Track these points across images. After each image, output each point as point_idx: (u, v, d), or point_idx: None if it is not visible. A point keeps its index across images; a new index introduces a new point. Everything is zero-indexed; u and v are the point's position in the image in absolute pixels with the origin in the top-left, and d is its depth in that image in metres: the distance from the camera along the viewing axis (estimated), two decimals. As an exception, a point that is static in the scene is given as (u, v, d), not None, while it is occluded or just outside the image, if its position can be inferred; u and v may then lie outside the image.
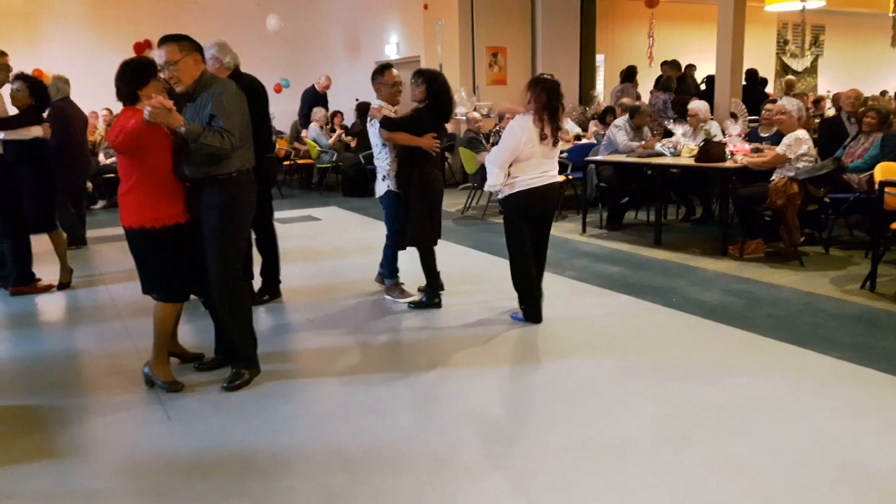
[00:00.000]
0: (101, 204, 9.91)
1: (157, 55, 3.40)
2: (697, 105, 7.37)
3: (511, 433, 3.07)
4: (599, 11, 12.55)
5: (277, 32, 13.02)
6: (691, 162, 6.32)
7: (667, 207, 7.93)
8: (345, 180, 10.86)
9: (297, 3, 13.65)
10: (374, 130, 4.83)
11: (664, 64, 10.55)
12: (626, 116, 7.62)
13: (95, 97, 10.85)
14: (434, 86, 4.72)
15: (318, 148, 10.92)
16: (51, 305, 5.26)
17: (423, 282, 4.99)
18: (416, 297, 5.05)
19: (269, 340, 4.21)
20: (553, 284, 5.40)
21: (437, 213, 4.84)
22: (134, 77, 3.39)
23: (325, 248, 7.04)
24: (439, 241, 4.91)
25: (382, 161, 4.85)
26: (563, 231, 7.42)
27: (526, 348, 4.17)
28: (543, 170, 4.39)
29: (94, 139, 10.15)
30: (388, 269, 5.17)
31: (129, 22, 12.30)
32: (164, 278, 3.51)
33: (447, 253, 5.93)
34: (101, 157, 9.93)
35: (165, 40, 3.40)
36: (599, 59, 13.55)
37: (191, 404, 3.42)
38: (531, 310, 4.49)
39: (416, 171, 4.68)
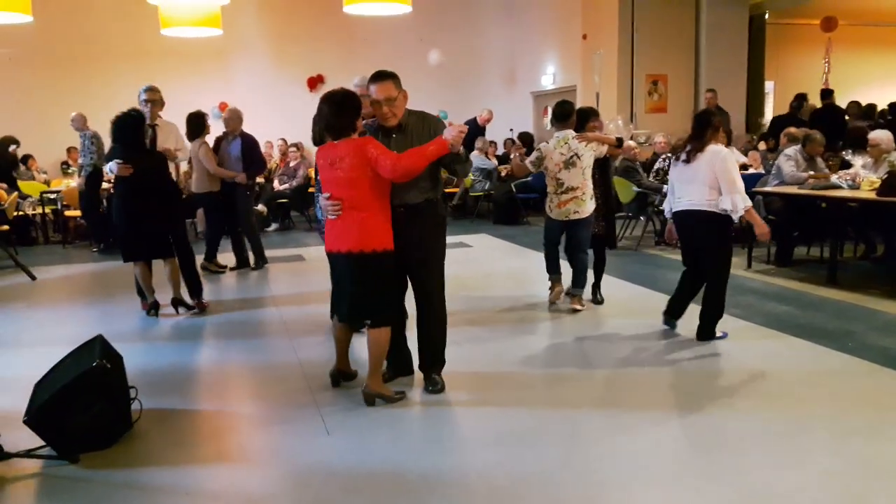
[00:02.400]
0: (274, 227, 10.66)
1: (373, 90, 3.55)
2: (879, 135, 6.80)
3: (668, 478, 2.95)
4: (769, 36, 11.99)
5: (437, 66, 13.51)
6: (872, 195, 5.83)
7: (843, 244, 7.34)
8: (496, 209, 10.99)
9: (457, 37, 14.08)
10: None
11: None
12: (799, 146, 7.16)
13: (274, 128, 11.84)
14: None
15: (472, 177, 11.14)
16: (224, 322, 5.70)
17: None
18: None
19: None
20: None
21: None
22: (355, 110, 3.56)
23: (475, 274, 7.14)
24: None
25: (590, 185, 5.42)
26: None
27: (688, 389, 3.99)
28: None
29: (270, 167, 10.97)
30: (584, 282, 5.60)
31: (305, 58, 13.23)
32: (393, 300, 3.71)
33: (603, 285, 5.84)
34: (276, 184, 10.70)
35: (384, 77, 3.57)
36: (769, 85, 12.89)
37: (349, 420, 3.57)
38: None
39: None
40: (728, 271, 4.63)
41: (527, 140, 12.60)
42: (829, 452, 3.10)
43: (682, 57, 11.30)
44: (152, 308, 5.63)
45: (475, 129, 11.50)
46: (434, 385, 3.87)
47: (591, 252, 5.65)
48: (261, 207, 10.09)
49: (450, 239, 9.16)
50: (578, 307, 5.55)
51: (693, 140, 4.57)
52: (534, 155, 5.48)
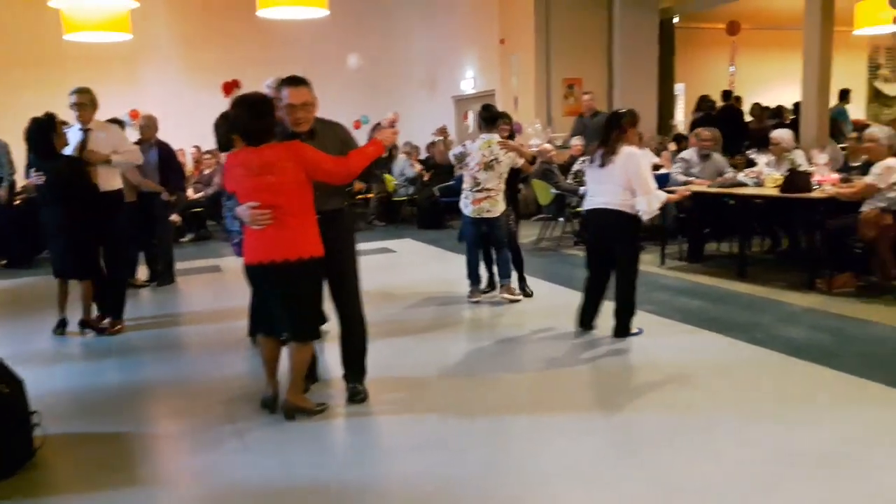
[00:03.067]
0: (189, 237, 10.34)
1: (287, 94, 3.48)
2: (781, 133, 7.13)
3: (588, 476, 2.99)
4: (679, 40, 12.41)
5: (357, 70, 13.40)
6: (775, 192, 6.10)
7: (751, 239, 7.66)
8: (420, 213, 11.00)
9: (377, 42, 14.03)
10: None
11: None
12: (696, 148, 7.48)
13: (187, 135, 11.49)
14: None
15: (395, 181, 11.12)
16: (138, 339, 5.49)
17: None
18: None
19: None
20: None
21: None
22: (273, 114, 3.47)
23: (399, 279, 7.11)
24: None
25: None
26: (642, 263, 7.21)
27: (607, 387, 4.08)
28: None
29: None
30: (509, 272, 5.88)
31: (219, 63, 12.90)
32: (319, 312, 3.61)
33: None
34: (191, 192, 10.39)
35: (301, 82, 3.52)
36: (679, 88, 13.35)
37: (268, 436, 3.49)
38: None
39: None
40: (637, 269, 4.78)
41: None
42: (741, 443, 3.21)
43: (597, 60, 11.57)
44: (59, 326, 5.37)
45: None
46: (357, 394, 3.82)
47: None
48: (175, 217, 9.76)
49: (373, 245, 9.28)
50: (511, 296, 5.79)
51: (603, 143, 4.68)
52: (458, 149, 5.80)
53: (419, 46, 14.43)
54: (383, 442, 3.48)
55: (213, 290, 7.11)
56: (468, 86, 13.45)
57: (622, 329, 4.76)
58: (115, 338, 5.34)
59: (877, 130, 5.75)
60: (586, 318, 4.92)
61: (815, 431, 3.28)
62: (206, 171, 10.63)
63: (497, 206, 5.64)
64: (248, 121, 3.41)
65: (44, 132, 5.08)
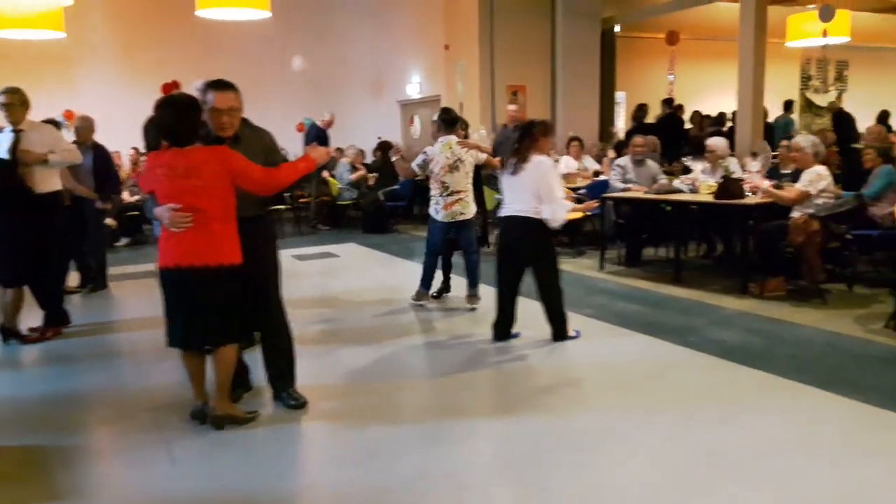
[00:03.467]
0: (124, 241, 10.05)
1: (213, 98, 3.40)
2: (716, 141, 7.32)
3: (522, 479, 2.99)
4: (620, 49, 12.64)
5: (302, 73, 13.27)
6: (710, 199, 6.25)
7: (686, 244, 7.84)
8: (364, 217, 10.93)
9: (322, 44, 13.92)
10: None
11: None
12: (629, 155, 7.64)
13: (125, 137, 11.17)
14: None
15: (339, 185, 11.03)
16: (66, 347, 5.29)
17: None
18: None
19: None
20: (571, 322, 5.35)
21: None
22: (199, 116, 3.39)
23: (340, 285, 7.04)
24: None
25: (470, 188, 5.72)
26: (582, 268, 7.35)
27: (539, 389, 4.09)
28: None
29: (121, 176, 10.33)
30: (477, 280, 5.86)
31: (158, 64, 12.59)
32: (241, 316, 3.54)
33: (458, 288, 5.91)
34: (126, 195, 10.10)
35: (228, 87, 3.46)
36: (620, 96, 13.59)
37: (196, 446, 3.39)
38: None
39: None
40: (557, 273, 4.79)
41: (387, 147, 12.58)
42: (674, 444, 3.26)
43: (540, 68, 11.70)
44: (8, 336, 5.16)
45: (317, 134, 11.33)
46: (295, 400, 3.77)
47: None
48: (110, 221, 9.48)
49: (315, 249, 9.18)
50: (475, 305, 5.75)
51: (515, 153, 4.73)
52: (420, 158, 5.73)
53: (364, 50, 14.37)
54: (315, 451, 3.42)
55: (146, 297, 6.87)
56: (414, 90, 13.45)
57: (559, 334, 4.80)
58: (42, 346, 5.14)
59: (801, 140, 5.95)
60: (500, 330, 4.87)
61: (744, 432, 3.35)
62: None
63: (469, 209, 5.64)
64: (174, 122, 3.34)
65: None
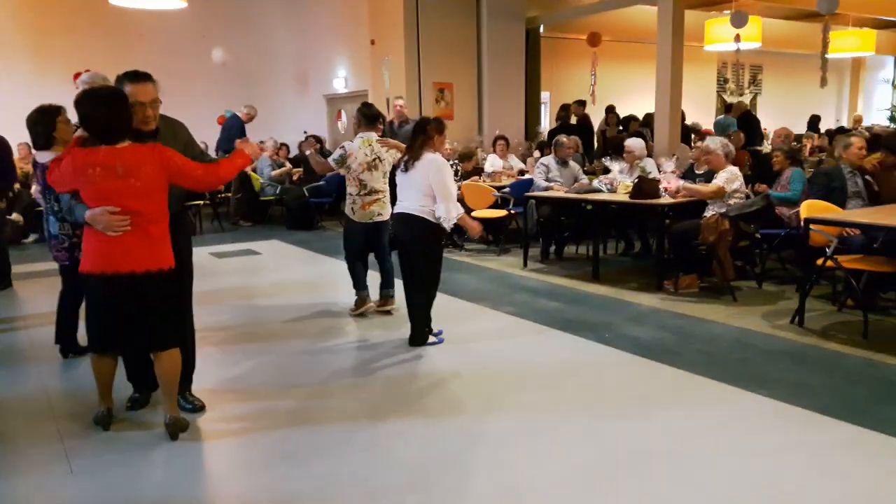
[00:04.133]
0: (32, 238, 9.57)
1: (132, 91, 3.19)
2: (633, 142, 7.50)
3: (434, 479, 2.98)
4: (544, 49, 12.80)
5: (223, 64, 12.93)
6: (626, 198, 6.40)
7: (606, 242, 8.02)
8: (289, 213, 10.73)
9: (244, 35, 13.60)
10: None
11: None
12: (552, 154, 7.76)
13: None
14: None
15: (262, 180, 10.79)
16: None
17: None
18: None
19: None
20: (491, 320, 5.41)
21: None
22: (129, 109, 3.16)
23: (261, 283, 6.88)
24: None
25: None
26: (505, 265, 7.41)
27: (451, 389, 4.08)
28: None
29: (27, 170, 9.83)
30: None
31: (70, 53, 12.04)
32: (182, 318, 3.50)
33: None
34: (34, 190, 9.60)
35: (146, 78, 3.27)
36: (545, 96, 13.79)
37: (98, 455, 3.23)
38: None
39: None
40: (431, 274, 4.73)
41: (320, 142, 12.42)
42: (584, 441, 3.31)
43: (466, 66, 11.74)
44: None
45: (237, 126, 11.06)
46: (191, 404, 3.65)
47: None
48: (16, 216, 9.01)
49: (236, 246, 8.95)
50: (391, 308, 5.58)
51: (409, 149, 4.75)
52: (337, 153, 5.44)
53: (288, 43, 14.13)
54: (222, 457, 3.31)
55: (51, 295, 6.57)
56: (340, 85, 13.29)
57: (417, 338, 4.73)
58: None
59: (710, 142, 6.15)
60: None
61: (655, 428, 3.43)
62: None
63: (386, 209, 5.42)
64: (105, 117, 3.11)
65: None
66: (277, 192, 10.81)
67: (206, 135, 11.22)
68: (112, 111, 3.10)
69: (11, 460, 3.24)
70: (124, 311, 3.24)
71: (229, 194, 10.91)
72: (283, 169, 11.02)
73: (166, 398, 3.39)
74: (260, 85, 13.72)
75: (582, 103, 11.98)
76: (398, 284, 5.20)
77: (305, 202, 10.51)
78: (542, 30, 12.59)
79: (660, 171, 7.13)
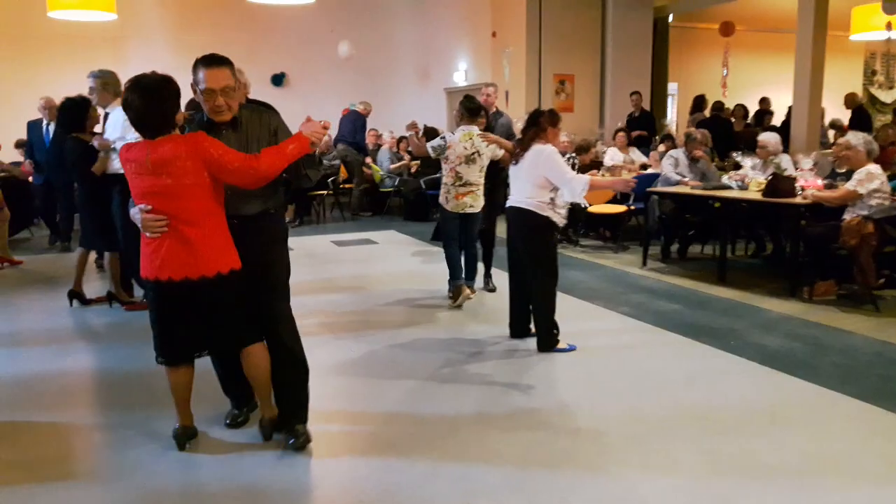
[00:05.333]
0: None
1: (204, 77, 2.91)
2: (767, 137, 7.01)
3: (538, 486, 2.87)
4: (672, 39, 12.29)
5: (348, 58, 13.26)
6: (758, 196, 5.99)
7: (734, 242, 7.56)
8: (406, 205, 10.88)
9: (370, 30, 13.89)
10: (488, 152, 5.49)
11: None
12: (683, 148, 7.38)
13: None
14: None
15: (381, 172, 10.99)
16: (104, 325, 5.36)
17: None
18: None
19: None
20: (604, 320, 5.21)
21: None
22: (174, 99, 2.89)
23: (374, 272, 6.97)
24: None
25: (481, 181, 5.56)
26: (623, 263, 7.15)
27: (566, 387, 3.96)
28: None
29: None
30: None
31: (208, 48, 12.68)
32: (251, 317, 3.08)
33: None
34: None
35: (220, 62, 2.94)
36: (672, 87, 13.23)
37: (210, 448, 3.36)
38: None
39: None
40: (549, 273, 4.46)
41: (433, 134, 12.51)
42: (701, 453, 3.10)
43: (589, 57, 11.45)
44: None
45: (360, 120, 11.28)
46: (295, 438, 3.16)
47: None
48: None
49: (356, 235, 9.15)
50: (470, 296, 5.67)
51: (520, 141, 4.61)
52: (437, 141, 5.51)
53: (411, 36, 14.30)
54: (324, 446, 3.34)
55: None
56: (461, 78, 13.32)
57: (545, 343, 4.48)
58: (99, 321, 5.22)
59: (851, 137, 5.61)
60: (516, 326, 4.72)
61: (779, 446, 3.17)
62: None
63: (479, 202, 5.48)
64: (141, 108, 2.81)
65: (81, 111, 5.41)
66: (396, 183, 10.98)
67: (332, 127, 11.59)
68: (146, 102, 2.81)
69: (138, 437, 3.41)
70: (180, 319, 2.99)
71: (351, 185, 11.17)
72: (401, 162, 11.17)
73: (258, 399, 3.23)
74: (382, 78, 13.99)
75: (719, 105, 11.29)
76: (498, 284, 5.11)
77: (421, 194, 10.60)
78: (671, 19, 12.07)
79: (797, 169, 6.64)
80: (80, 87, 6.50)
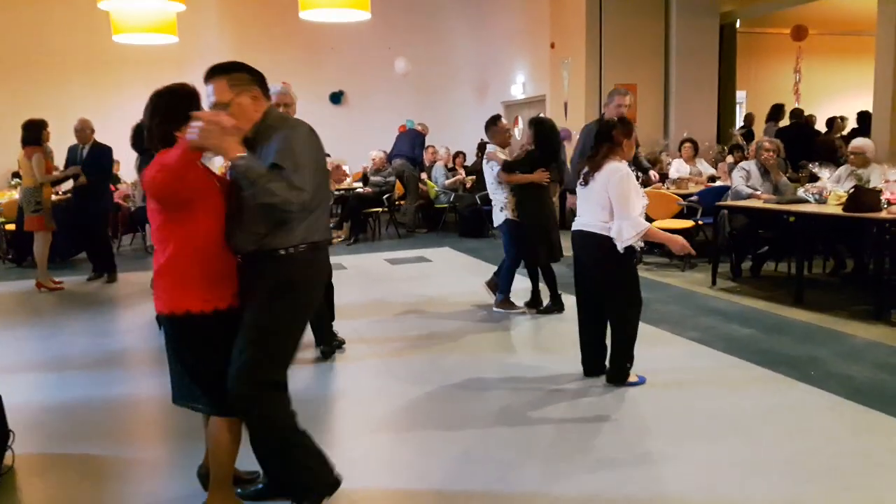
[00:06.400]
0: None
1: (208, 90, 2.58)
2: (863, 143, 6.49)
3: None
4: (740, 45, 11.77)
5: (405, 75, 13.20)
6: (839, 210, 5.55)
7: (811, 260, 7.08)
8: (461, 221, 10.68)
9: (426, 45, 13.81)
10: (489, 169, 5.79)
11: None
12: (755, 159, 6.94)
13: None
14: (540, 131, 5.67)
15: (437, 188, 10.84)
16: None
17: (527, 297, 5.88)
18: (521, 308, 5.83)
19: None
20: (670, 346, 4.88)
21: (553, 233, 5.70)
22: (172, 112, 2.51)
23: (426, 292, 6.76)
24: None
25: (500, 195, 5.73)
26: (691, 283, 6.76)
27: (628, 425, 3.65)
28: None
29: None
30: (503, 287, 5.85)
31: (267, 67, 12.80)
32: (214, 381, 2.55)
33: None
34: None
35: (213, 73, 2.57)
36: (740, 95, 12.69)
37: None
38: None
39: (531, 203, 5.61)
40: (629, 304, 4.08)
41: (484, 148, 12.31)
42: (787, 499, 2.77)
43: (652, 66, 11.04)
44: None
45: (419, 139, 11.26)
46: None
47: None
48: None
49: (410, 253, 8.99)
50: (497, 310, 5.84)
51: (590, 158, 4.12)
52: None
53: (468, 50, 14.16)
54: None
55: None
56: (518, 91, 13.09)
57: (617, 376, 4.10)
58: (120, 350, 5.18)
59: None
60: (586, 363, 4.27)
61: (870, 492, 2.81)
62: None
63: (499, 216, 5.80)
64: (144, 122, 2.60)
65: None
66: (451, 199, 10.80)
67: (387, 143, 11.50)
68: (147, 115, 2.57)
69: (167, 464, 3.28)
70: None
71: (404, 202, 11.05)
72: (456, 177, 11.00)
73: (211, 486, 2.71)
74: (439, 93, 13.87)
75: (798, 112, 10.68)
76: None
77: (477, 209, 10.38)
78: (738, 24, 11.57)
79: (884, 182, 6.14)
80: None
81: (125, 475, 3.24)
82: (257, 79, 2.62)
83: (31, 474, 3.22)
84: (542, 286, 5.80)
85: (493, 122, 5.95)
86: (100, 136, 8.62)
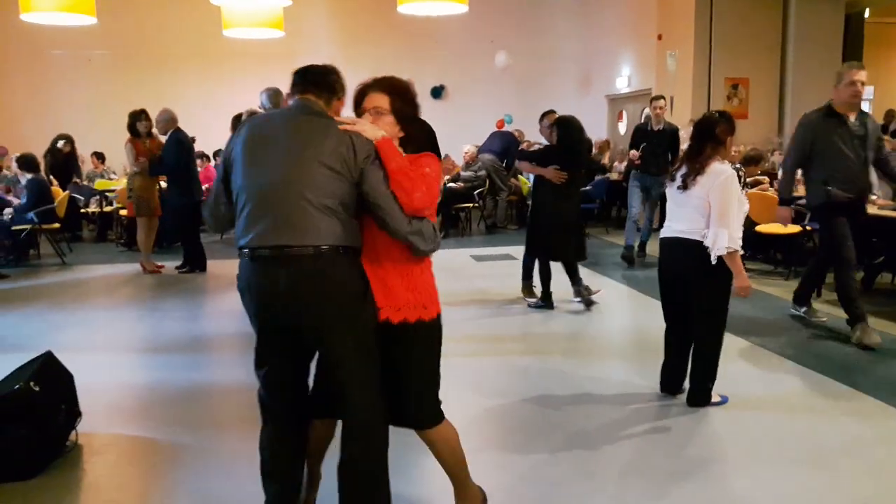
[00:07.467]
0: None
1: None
2: None
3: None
4: (868, 37, 10.84)
5: (505, 69, 13.00)
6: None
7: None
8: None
9: (528, 39, 13.57)
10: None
11: None
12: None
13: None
14: (567, 132, 5.80)
15: (529, 184, 10.60)
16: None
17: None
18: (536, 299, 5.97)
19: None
20: (759, 363, 4.48)
21: (554, 231, 5.72)
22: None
23: (508, 291, 6.57)
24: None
25: None
26: (789, 293, 6.22)
27: (698, 447, 3.36)
28: None
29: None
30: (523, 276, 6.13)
31: (371, 61, 13.01)
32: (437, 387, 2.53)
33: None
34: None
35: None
36: (868, 91, 11.68)
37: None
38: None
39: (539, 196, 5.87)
40: (721, 320, 3.75)
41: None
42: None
43: (766, 59, 10.34)
44: None
45: (514, 142, 10.81)
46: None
47: None
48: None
49: (497, 250, 8.81)
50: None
51: (690, 159, 3.69)
52: None
53: (571, 43, 13.79)
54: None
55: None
56: (623, 84, 12.64)
57: (699, 397, 3.76)
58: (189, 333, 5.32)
59: None
60: (667, 380, 3.93)
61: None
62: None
63: None
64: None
65: None
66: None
67: (480, 137, 11.35)
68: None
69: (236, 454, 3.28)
70: None
71: (498, 198, 10.88)
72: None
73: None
74: (540, 87, 13.57)
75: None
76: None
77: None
78: (866, 14, 10.64)
79: None
80: (253, 100, 6.84)
81: (179, 463, 3.27)
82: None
83: (92, 453, 3.31)
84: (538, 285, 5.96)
85: (545, 116, 6.41)
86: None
